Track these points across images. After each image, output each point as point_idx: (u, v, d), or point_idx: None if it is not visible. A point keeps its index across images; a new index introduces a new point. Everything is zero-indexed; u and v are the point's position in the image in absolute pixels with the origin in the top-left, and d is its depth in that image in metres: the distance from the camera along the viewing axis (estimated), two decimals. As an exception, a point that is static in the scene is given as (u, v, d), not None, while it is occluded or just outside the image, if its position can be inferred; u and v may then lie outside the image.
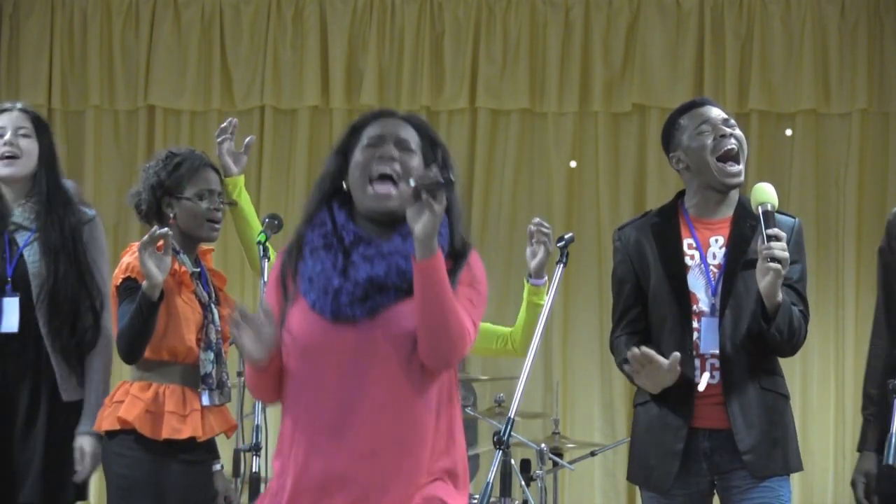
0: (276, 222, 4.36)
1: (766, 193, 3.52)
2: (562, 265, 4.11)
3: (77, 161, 7.51)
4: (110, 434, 3.87)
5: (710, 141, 3.64)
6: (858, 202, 7.38)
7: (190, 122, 7.71)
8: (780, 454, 3.59)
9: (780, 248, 3.42)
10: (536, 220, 4.33)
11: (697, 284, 3.62)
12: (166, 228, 3.77)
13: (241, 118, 4.88)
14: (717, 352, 3.57)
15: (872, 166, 7.48)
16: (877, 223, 6.49)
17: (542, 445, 5.54)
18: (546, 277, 4.33)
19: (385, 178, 2.85)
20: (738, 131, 3.68)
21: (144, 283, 3.71)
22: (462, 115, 7.67)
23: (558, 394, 6.67)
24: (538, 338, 3.97)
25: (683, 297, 3.61)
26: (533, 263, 4.32)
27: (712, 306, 3.60)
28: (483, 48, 7.64)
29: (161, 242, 3.70)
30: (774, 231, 3.44)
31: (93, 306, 4.08)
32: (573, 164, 7.61)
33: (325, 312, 2.80)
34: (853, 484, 3.86)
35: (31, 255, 4.08)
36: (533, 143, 7.68)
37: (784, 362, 3.70)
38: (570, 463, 5.82)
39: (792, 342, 3.55)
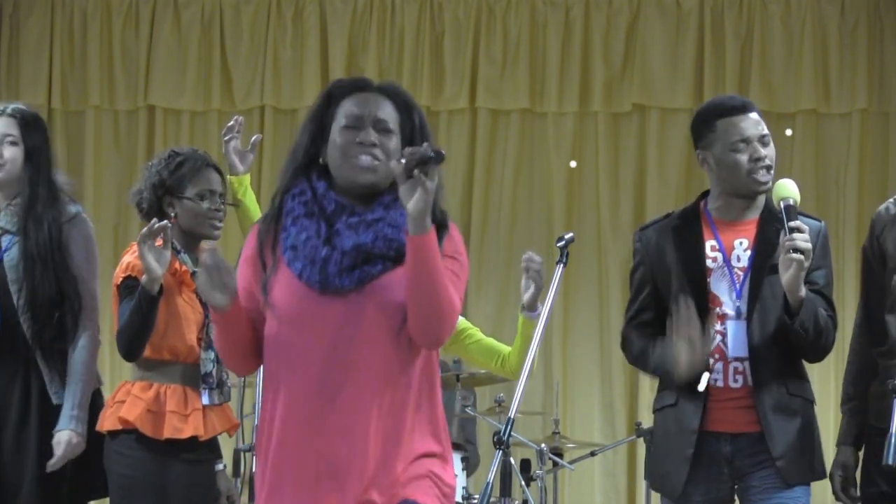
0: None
1: (787, 189, 3.53)
2: (562, 265, 4.09)
3: (77, 161, 7.51)
4: (112, 434, 3.87)
5: (744, 158, 3.61)
6: (858, 202, 7.37)
7: (190, 122, 7.71)
8: (807, 461, 3.60)
9: (803, 240, 3.41)
10: (527, 255, 4.25)
11: (720, 287, 3.60)
12: (166, 221, 3.77)
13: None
14: (745, 355, 3.56)
15: (872, 166, 7.48)
16: (877, 223, 6.48)
17: (542, 445, 5.54)
18: (539, 310, 4.25)
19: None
20: (772, 147, 3.66)
21: (144, 278, 3.71)
22: (462, 115, 7.67)
23: (558, 394, 6.67)
24: (538, 338, 3.96)
25: (704, 302, 3.58)
26: (525, 297, 4.24)
27: (737, 309, 3.58)
28: (483, 48, 7.63)
29: (160, 238, 3.71)
30: (797, 223, 3.44)
31: (71, 308, 4.06)
32: (573, 164, 7.61)
33: (312, 283, 2.76)
34: (830, 477, 3.86)
35: (11, 260, 4.07)
36: (533, 143, 7.68)
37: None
38: (570, 463, 5.82)
39: (819, 343, 3.53)
